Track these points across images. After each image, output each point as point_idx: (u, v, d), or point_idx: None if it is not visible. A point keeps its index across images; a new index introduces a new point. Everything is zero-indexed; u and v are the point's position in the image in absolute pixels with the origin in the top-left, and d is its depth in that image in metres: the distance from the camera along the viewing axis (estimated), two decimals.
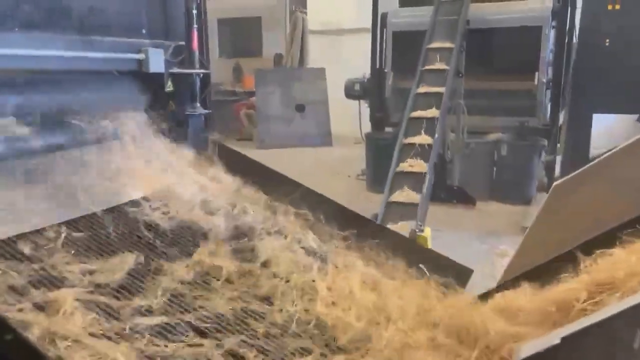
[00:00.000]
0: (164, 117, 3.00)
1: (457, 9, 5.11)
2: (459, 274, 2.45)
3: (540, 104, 5.76)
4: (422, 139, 4.09)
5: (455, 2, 5.23)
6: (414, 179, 3.79)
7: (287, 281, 1.82)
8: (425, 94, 4.45)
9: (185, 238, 2.08)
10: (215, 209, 2.27)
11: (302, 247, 2.12)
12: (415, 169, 3.88)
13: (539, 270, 1.94)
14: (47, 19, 2.36)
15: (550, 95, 5.87)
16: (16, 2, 2.21)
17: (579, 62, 5.28)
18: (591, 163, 1.95)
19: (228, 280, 1.83)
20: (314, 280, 1.83)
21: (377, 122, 6.75)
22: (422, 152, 3.98)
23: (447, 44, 4.83)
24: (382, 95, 6.55)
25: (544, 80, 5.65)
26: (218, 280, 1.81)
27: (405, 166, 3.90)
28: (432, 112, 4.26)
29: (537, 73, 5.62)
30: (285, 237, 2.16)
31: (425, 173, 3.82)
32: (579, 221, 1.95)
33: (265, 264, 1.94)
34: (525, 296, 1.64)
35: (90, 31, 2.56)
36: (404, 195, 3.72)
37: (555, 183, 2.11)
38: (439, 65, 4.66)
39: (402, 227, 3.43)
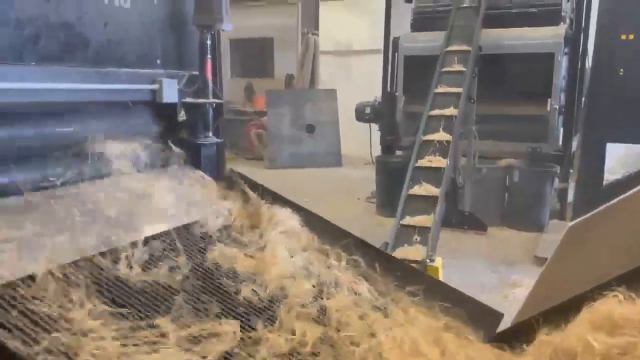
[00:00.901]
0: (176, 146, 3.03)
1: (469, 34, 5.13)
2: (488, 317, 2.40)
3: (552, 130, 5.73)
4: (435, 161, 4.07)
5: (467, 28, 5.24)
6: (425, 205, 3.76)
7: (363, 345, 1.79)
8: (438, 117, 4.43)
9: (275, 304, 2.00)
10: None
11: (364, 298, 2.10)
12: (426, 193, 3.85)
13: (554, 312, 1.91)
14: (64, 52, 2.39)
15: (562, 121, 5.85)
16: (34, 37, 2.25)
17: (592, 90, 5.26)
18: (606, 205, 1.93)
19: (314, 354, 1.79)
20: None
21: (388, 145, 6.75)
22: (434, 175, 3.96)
23: (460, 68, 4.83)
24: (393, 118, 6.56)
25: (557, 107, 5.63)
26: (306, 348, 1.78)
27: (416, 191, 3.88)
28: (444, 136, 4.24)
29: (549, 99, 5.60)
30: (355, 293, 2.13)
31: (436, 199, 3.79)
32: (594, 263, 1.92)
33: (338, 327, 1.91)
34: None
35: (106, 63, 2.59)
36: (416, 219, 3.69)
37: (570, 224, 2.08)
38: (451, 89, 4.65)
39: (414, 252, 3.41)
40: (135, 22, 2.78)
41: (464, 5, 5.46)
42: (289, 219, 2.47)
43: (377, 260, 2.41)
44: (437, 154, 4.09)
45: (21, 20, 2.20)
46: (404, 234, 3.58)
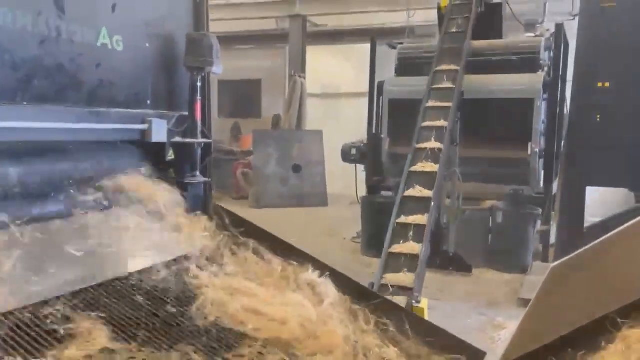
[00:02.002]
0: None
1: (452, 78, 5.28)
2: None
3: (533, 173, 5.85)
4: (422, 192, 4.11)
5: (450, 73, 5.40)
6: (412, 233, 3.79)
7: None
8: (424, 149, 4.48)
9: None
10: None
11: None
12: (414, 222, 3.88)
13: (539, 353, 1.93)
14: (57, 92, 2.43)
15: (543, 165, 5.98)
16: (28, 77, 2.29)
17: (571, 135, 5.42)
18: (587, 247, 1.98)
19: None
20: None
21: (373, 186, 6.82)
22: (421, 205, 4.00)
23: (444, 105, 4.92)
24: (378, 159, 6.65)
25: (537, 150, 5.76)
26: None
27: (404, 220, 3.91)
28: (431, 167, 4.30)
29: (530, 143, 5.74)
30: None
31: (423, 229, 3.83)
32: (577, 304, 1.95)
33: None
34: None
35: (97, 103, 2.63)
36: (403, 247, 3.72)
37: (552, 265, 2.12)
38: (436, 123, 4.73)
39: (403, 279, 3.43)
40: (127, 64, 2.84)
41: (447, 52, 5.64)
42: (308, 274, 2.43)
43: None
44: (424, 185, 4.14)
45: (15, 61, 2.25)
46: (392, 263, 3.61)
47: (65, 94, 2.48)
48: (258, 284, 2.31)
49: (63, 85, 2.46)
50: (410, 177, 4.30)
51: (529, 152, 5.74)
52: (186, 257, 2.40)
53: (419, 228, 3.87)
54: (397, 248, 3.77)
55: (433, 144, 4.54)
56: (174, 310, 2.06)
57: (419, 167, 4.39)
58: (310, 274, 2.43)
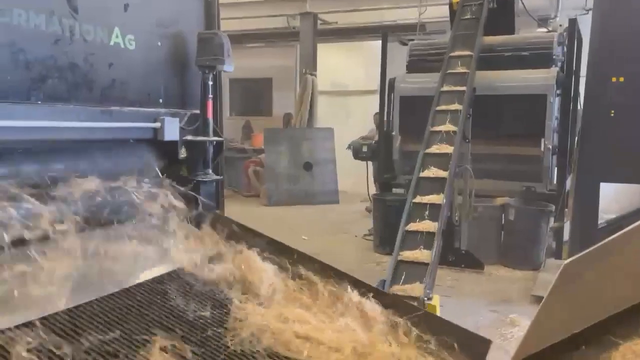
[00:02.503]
0: (176, 183, 3.07)
1: (463, 76, 5.24)
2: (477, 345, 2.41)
3: (546, 169, 5.80)
4: (431, 198, 4.10)
5: (461, 69, 5.36)
6: (422, 240, 3.77)
7: None
8: (434, 154, 4.49)
9: None
10: None
11: None
12: (423, 229, 3.87)
13: (551, 351, 1.92)
14: (70, 91, 2.46)
15: (556, 161, 5.93)
16: (42, 77, 2.32)
17: (585, 131, 5.36)
18: (600, 243, 1.96)
19: None
20: None
21: (385, 183, 6.81)
22: (431, 211, 3.99)
23: (455, 107, 4.92)
24: (389, 157, 6.63)
25: (550, 147, 5.71)
26: None
27: (413, 227, 3.90)
28: (440, 172, 4.29)
29: (542, 139, 5.69)
30: None
31: (433, 236, 3.81)
32: (590, 302, 1.94)
33: None
34: None
35: (110, 102, 2.66)
36: (413, 256, 3.70)
37: (565, 262, 2.10)
38: (446, 127, 4.72)
39: (413, 289, 3.41)
40: (139, 63, 2.87)
41: (458, 48, 5.61)
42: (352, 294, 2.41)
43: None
44: (433, 191, 4.14)
45: (29, 61, 2.28)
46: (402, 270, 3.59)
47: (78, 92, 2.51)
48: (304, 308, 2.29)
49: (76, 84, 2.50)
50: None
51: (542, 148, 5.70)
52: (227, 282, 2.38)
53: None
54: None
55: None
56: (226, 339, 2.01)
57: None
58: (353, 294, 2.40)
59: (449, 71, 5.26)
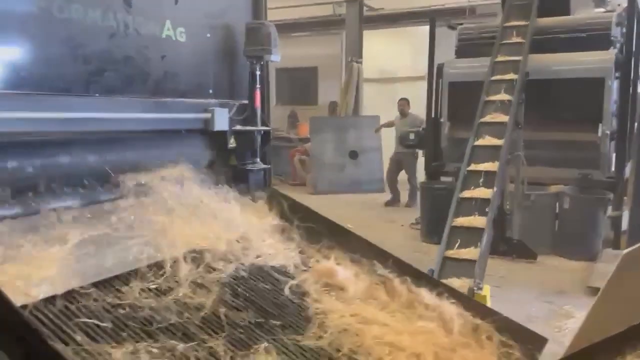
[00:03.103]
0: (225, 173, 3.13)
1: (515, 60, 5.09)
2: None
3: (604, 156, 5.57)
4: (480, 192, 4.03)
5: (513, 53, 5.21)
6: (470, 237, 3.70)
7: None
8: (483, 146, 4.41)
9: None
10: None
11: None
12: (472, 224, 3.80)
13: (608, 344, 1.85)
14: (125, 84, 2.54)
15: (614, 147, 5.68)
16: (98, 70, 2.41)
17: None
18: None
19: None
20: None
21: (433, 171, 6.71)
22: (480, 206, 3.91)
23: (505, 97, 4.80)
24: (437, 145, 6.53)
25: (608, 132, 5.47)
26: None
27: (462, 221, 3.84)
28: (490, 166, 4.20)
29: (600, 124, 5.46)
30: None
31: (483, 229, 3.73)
32: None
33: None
34: None
35: (162, 93, 2.73)
36: (461, 251, 3.65)
37: (624, 252, 2.02)
38: (497, 117, 4.63)
39: (461, 284, 3.36)
40: (190, 55, 2.92)
41: (510, 30, 5.44)
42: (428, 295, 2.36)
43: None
44: (482, 185, 4.05)
45: (86, 55, 2.36)
46: (449, 265, 3.54)
47: (132, 85, 2.59)
48: (382, 309, 2.26)
49: (130, 76, 2.57)
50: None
51: (599, 134, 5.47)
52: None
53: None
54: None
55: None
56: (307, 342, 1.95)
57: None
58: (430, 295, 2.36)
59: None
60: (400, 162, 8.74)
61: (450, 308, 2.30)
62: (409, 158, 8.55)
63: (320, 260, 2.48)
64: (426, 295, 2.35)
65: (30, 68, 2.15)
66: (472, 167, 4.24)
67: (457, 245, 3.63)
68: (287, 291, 2.20)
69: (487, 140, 4.43)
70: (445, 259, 3.57)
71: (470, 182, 4.13)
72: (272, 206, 2.81)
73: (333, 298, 2.24)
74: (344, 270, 2.40)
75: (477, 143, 4.45)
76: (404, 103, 8.73)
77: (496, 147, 4.33)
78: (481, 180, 4.10)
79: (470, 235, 3.69)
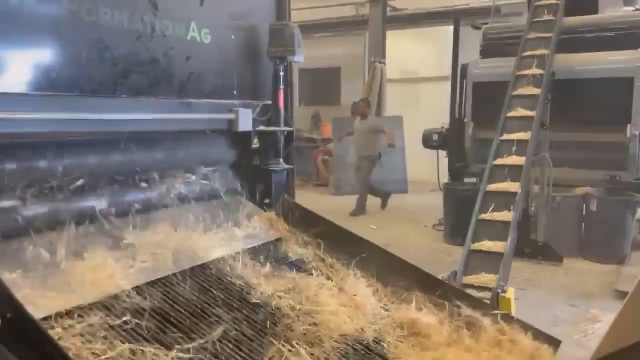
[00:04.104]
0: (249, 172, 3.16)
1: (541, 59, 5.01)
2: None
3: (632, 157, 5.44)
4: (506, 186, 3.97)
5: (539, 51, 5.13)
6: (496, 230, 3.66)
7: None
8: (509, 141, 4.36)
9: None
10: None
11: None
12: (498, 218, 3.75)
13: (636, 349, 1.81)
14: (151, 85, 2.58)
15: None
16: (125, 72, 2.45)
17: None
18: None
19: None
20: None
21: (456, 172, 6.65)
22: (506, 200, 3.86)
23: (532, 92, 4.73)
24: (461, 145, 6.47)
25: (637, 133, 5.35)
26: None
27: (487, 216, 3.79)
28: (516, 160, 4.16)
29: (628, 125, 5.34)
30: None
31: (508, 223, 3.68)
32: None
33: None
34: None
35: (188, 94, 2.77)
36: (486, 246, 3.60)
37: None
38: (523, 112, 4.57)
39: (485, 279, 3.32)
40: (214, 56, 2.96)
41: (536, 29, 5.35)
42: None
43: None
44: (508, 179, 4.00)
45: (114, 57, 2.41)
46: (474, 262, 3.49)
47: (158, 86, 2.63)
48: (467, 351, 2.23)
49: (157, 78, 2.61)
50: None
51: (628, 134, 5.35)
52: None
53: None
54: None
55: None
56: None
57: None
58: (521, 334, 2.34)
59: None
60: (358, 168, 8.50)
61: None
62: (367, 164, 8.33)
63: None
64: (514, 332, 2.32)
65: (59, 70, 2.20)
66: (499, 161, 4.18)
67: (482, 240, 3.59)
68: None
69: (514, 135, 4.37)
70: (470, 253, 3.53)
71: (496, 176, 4.07)
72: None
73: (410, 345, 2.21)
74: (426, 317, 2.36)
75: (502, 137, 4.39)
76: (363, 105, 8.65)
77: (523, 142, 4.27)
78: (506, 174, 4.05)
79: (496, 231, 3.64)
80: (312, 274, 2.48)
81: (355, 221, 7.27)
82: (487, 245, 3.54)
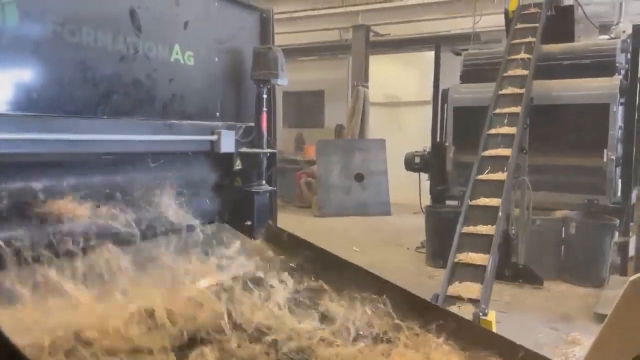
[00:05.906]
0: (230, 194, 3.15)
1: (520, 85, 5.11)
2: None
3: (609, 181, 5.55)
4: (483, 229, 3.97)
5: (518, 78, 5.24)
6: (480, 241, 3.68)
7: None
8: (491, 157, 4.41)
9: None
10: None
11: None
12: (481, 232, 3.77)
13: None
14: (133, 106, 2.58)
15: (620, 173, 5.66)
16: (107, 93, 2.45)
17: None
18: None
19: None
20: None
21: (438, 195, 6.71)
22: (488, 215, 3.88)
23: (509, 129, 4.76)
24: (442, 168, 6.54)
25: (613, 158, 5.47)
26: None
27: (471, 229, 3.81)
28: (499, 175, 4.20)
29: (605, 150, 5.46)
30: None
31: (492, 236, 3.70)
32: None
33: None
34: None
35: (170, 116, 2.77)
36: (470, 257, 3.61)
37: (631, 279, 2.00)
38: (504, 130, 4.63)
39: (465, 309, 3.33)
40: (197, 78, 2.97)
41: (515, 51, 5.47)
42: None
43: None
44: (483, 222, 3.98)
45: (96, 78, 2.40)
46: (459, 272, 3.51)
47: (141, 107, 2.63)
48: None
49: (139, 99, 2.61)
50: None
51: (605, 159, 5.47)
52: None
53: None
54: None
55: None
56: None
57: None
58: None
59: (507, 72, 5.18)
60: None
61: None
62: None
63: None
64: None
65: (41, 90, 2.18)
66: (474, 202, 4.16)
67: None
68: None
69: (489, 176, 4.29)
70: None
71: (472, 216, 4.04)
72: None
73: None
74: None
75: (479, 177, 4.37)
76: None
77: (499, 182, 4.25)
78: (483, 216, 4.01)
79: (480, 244, 3.66)
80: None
81: (337, 243, 7.25)
82: (470, 257, 3.57)
